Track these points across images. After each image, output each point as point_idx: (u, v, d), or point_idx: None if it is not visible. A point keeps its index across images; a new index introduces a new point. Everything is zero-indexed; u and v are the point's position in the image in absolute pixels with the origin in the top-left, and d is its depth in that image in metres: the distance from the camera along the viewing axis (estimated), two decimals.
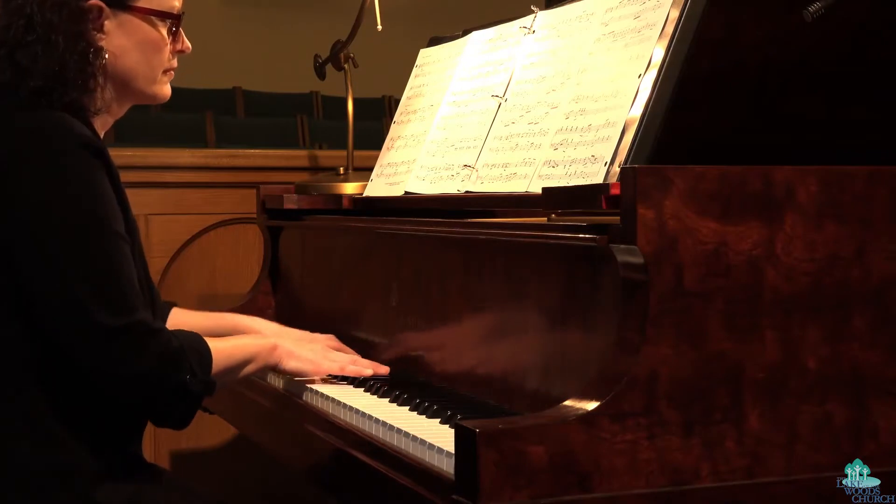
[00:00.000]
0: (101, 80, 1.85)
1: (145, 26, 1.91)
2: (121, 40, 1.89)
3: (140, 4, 1.90)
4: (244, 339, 2.12)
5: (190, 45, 2.00)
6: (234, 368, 1.98)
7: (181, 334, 1.85)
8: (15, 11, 1.82)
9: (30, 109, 1.80)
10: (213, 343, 1.90)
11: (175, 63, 1.99)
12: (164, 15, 1.93)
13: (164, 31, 1.93)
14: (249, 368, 2.03)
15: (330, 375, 2.18)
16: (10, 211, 1.77)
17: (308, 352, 2.14)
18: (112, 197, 1.81)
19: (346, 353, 2.25)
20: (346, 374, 2.14)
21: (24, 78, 1.80)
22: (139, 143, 5.55)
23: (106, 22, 1.88)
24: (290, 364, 2.10)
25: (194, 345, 1.86)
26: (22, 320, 1.78)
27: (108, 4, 1.88)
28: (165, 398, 1.80)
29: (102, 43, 1.86)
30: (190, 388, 1.81)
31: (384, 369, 2.18)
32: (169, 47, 1.95)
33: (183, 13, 1.97)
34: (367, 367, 2.16)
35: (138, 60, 1.91)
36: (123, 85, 1.92)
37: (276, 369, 2.12)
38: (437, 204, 2.27)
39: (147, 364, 1.76)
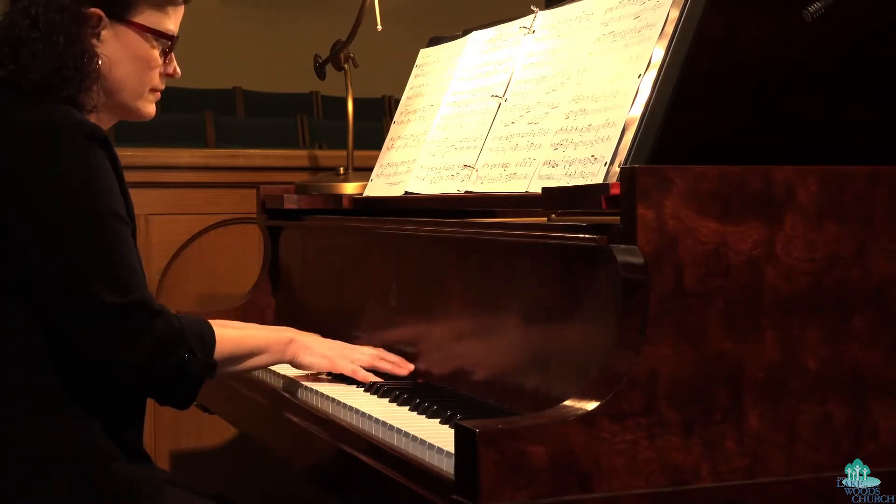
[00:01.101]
0: (93, 83, 1.91)
1: (140, 42, 1.98)
2: (115, 51, 1.95)
3: (137, 20, 1.97)
4: (259, 329, 2.15)
5: (180, 71, 2.07)
6: (242, 357, 2.01)
7: (184, 317, 1.88)
8: (20, 12, 1.90)
9: (35, 102, 1.86)
10: (221, 329, 1.94)
11: (163, 85, 2.06)
12: (158, 34, 2.00)
13: (157, 52, 2.00)
14: (261, 359, 2.06)
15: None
16: (15, 198, 1.80)
17: (325, 348, 2.16)
18: (114, 183, 1.86)
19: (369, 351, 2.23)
20: (357, 378, 2.13)
21: (25, 73, 1.86)
22: (139, 143, 5.54)
23: (103, 31, 1.95)
24: (306, 359, 2.13)
25: (197, 327, 1.89)
26: (27, 306, 1.81)
27: (107, 15, 1.94)
28: (165, 377, 1.83)
29: (98, 50, 1.93)
30: (189, 368, 1.83)
31: (407, 369, 2.16)
32: (160, 69, 2.02)
33: (177, 37, 2.03)
34: (387, 368, 2.15)
35: (128, 72, 1.98)
36: (110, 94, 1.97)
37: (291, 363, 2.14)
38: (437, 204, 2.27)
39: (148, 343, 1.79)
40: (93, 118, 1.93)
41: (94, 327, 1.78)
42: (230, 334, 1.98)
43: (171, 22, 2.02)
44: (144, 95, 2.02)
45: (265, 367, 2.16)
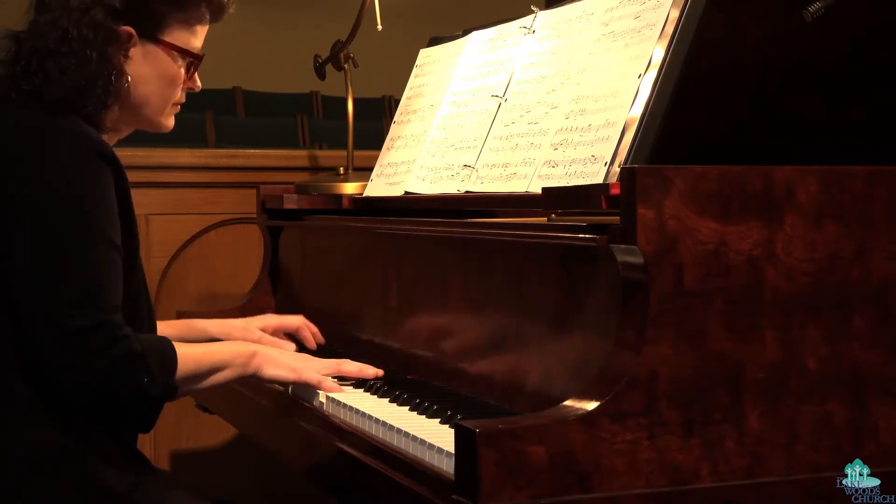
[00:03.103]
0: (116, 100, 1.91)
1: (167, 60, 1.99)
2: (143, 68, 1.96)
3: (167, 39, 1.98)
4: (220, 344, 2.09)
5: (200, 84, 2.07)
6: (204, 373, 1.95)
7: (146, 338, 1.84)
8: (50, 22, 1.89)
9: (51, 116, 1.84)
10: (182, 348, 1.89)
11: (183, 98, 2.06)
12: (187, 54, 2.01)
13: (183, 68, 2.01)
14: (225, 374, 1.99)
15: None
16: (10, 208, 1.80)
17: (290, 359, 2.10)
18: (114, 207, 1.84)
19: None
20: (322, 388, 2.05)
21: (49, 87, 1.85)
22: (139, 143, 5.52)
23: (132, 49, 1.95)
24: (270, 371, 2.05)
25: (158, 347, 1.85)
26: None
27: (138, 33, 1.95)
28: (120, 401, 1.79)
29: (126, 67, 1.93)
30: (147, 391, 1.79)
31: (370, 372, 2.12)
32: (183, 84, 2.03)
33: (203, 55, 2.03)
34: (350, 375, 2.11)
35: (154, 90, 1.99)
36: (134, 110, 1.98)
37: (255, 376, 2.06)
38: (437, 204, 2.27)
39: (101, 365, 1.75)
40: (107, 136, 1.93)
41: (54, 347, 1.74)
42: (191, 352, 1.92)
43: (198, 39, 2.03)
44: (167, 111, 2.03)
45: (230, 382, 2.06)
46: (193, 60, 2.02)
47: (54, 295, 1.75)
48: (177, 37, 1.99)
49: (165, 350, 1.86)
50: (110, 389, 1.77)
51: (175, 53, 1.99)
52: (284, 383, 2.12)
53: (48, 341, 1.75)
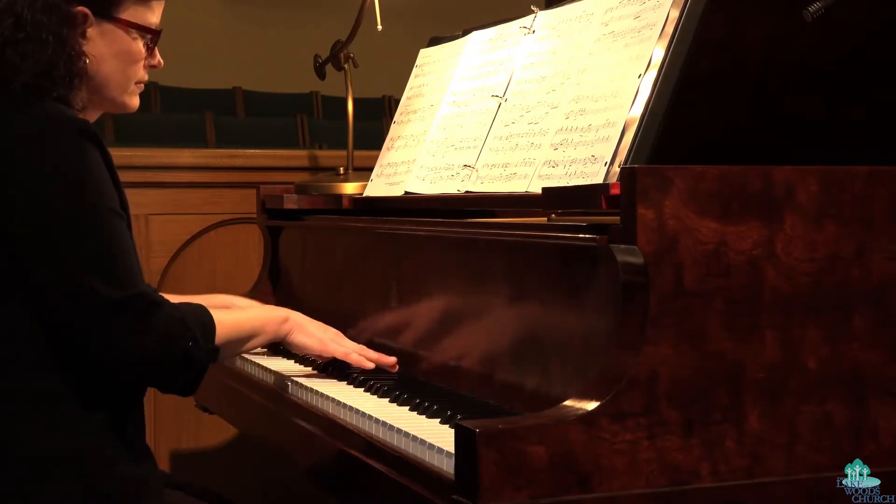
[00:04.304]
0: (81, 81, 1.91)
1: (125, 38, 1.98)
2: (101, 48, 1.96)
3: (123, 17, 1.97)
4: (254, 310, 2.18)
5: (162, 61, 2.07)
6: (242, 339, 2.04)
7: (184, 305, 1.89)
8: (4, 9, 1.88)
9: (23, 102, 1.85)
10: (218, 314, 1.95)
11: (146, 76, 2.06)
12: (145, 30, 2.00)
13: (142, 45, 2.01)
14: (258, 340, 2.09)
15: (322, 367, 2.21)
16: (9, 199, 1.81)
17: (320, 331, 2.19)
18: (107, 177, 1.86)
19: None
20: (349, 361, 2.16)
21: (14, 74, 1.85)
22: (139, 143, 5.55)
23: (89, 29, 1.94)
24: (298, 338, 2.15)
25: (197, 314, 1.91)
26: (29, 307, 1.81)
27: (93, 13, 1.94)
28: (170, 366, 1.84)
29: (84, 48, 1.92)
30: (193, 356, 1.85)
31: (389, 360, 2.19)
32: (144, 61, 2.02)
33: (161, 30, 2.03)
34: (371, 361, 2.18)
35: (114, 69, 1.98)
36: (97, 91, 1.97)
37: (283, 341, 2.15)
38: (437, 204, 2.27)
39: (152, 334, 1.80)
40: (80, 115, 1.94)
41: (98, 324, 1.78)
42: (227, 318, 1.99)
43: (155, 15, 2.02)
44: (130, 89, 2.02)
45: (262, 346, 2.18)
46: (152, 37, 2.01)
47: (87, 281, 1.77)
48: (133, 14, 1.98)
49: (204, 315, 1.92)
50: (162, 358, 1.82)
51: (132, 31, 1.98)
52: (310, 352, 2.20)
53: (93, 326, 1.78)
